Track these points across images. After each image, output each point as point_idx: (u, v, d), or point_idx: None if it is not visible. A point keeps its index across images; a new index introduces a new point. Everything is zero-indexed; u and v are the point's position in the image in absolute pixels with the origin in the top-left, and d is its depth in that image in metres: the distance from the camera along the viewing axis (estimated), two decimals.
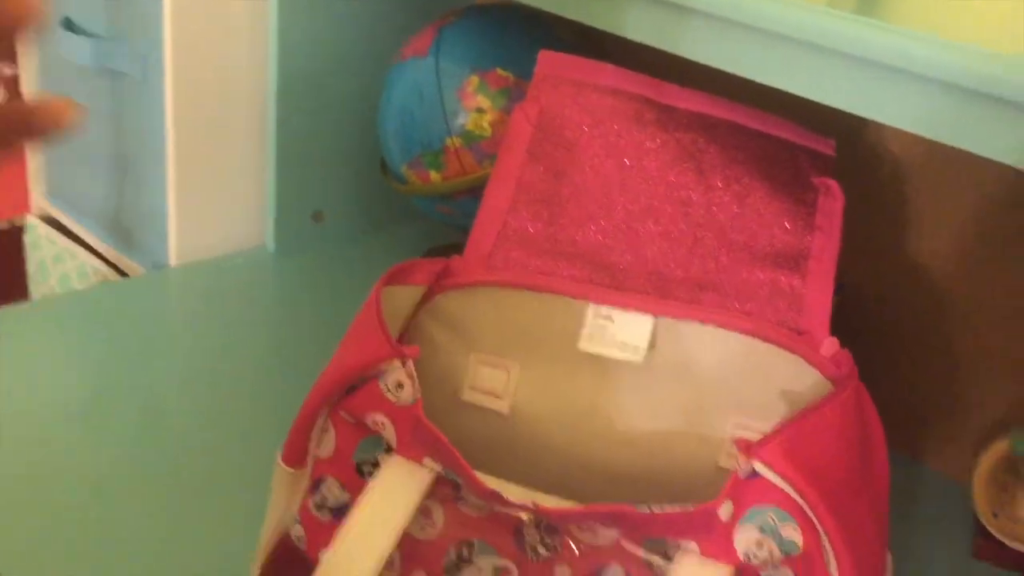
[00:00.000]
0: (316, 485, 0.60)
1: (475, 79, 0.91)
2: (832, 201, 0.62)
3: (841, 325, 0.86)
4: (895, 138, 0.82)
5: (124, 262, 1.16)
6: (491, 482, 0.54)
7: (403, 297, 0.62)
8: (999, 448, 0.76)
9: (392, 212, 1.16)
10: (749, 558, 0.51)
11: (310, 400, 0.58)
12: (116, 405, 0.82)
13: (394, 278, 0.59)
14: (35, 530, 0.69)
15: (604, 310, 0.60)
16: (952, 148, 0.79)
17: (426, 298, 0.63)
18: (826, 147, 0.66)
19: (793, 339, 0.58)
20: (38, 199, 1.27)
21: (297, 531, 0.60)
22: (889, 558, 0.59)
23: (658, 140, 0.65)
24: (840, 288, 0.84)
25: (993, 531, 0.76)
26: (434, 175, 0.94)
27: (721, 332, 0.59)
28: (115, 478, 0.75)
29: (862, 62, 0.50)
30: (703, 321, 0.59)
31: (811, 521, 0.50)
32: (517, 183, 0.64)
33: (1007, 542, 0.75)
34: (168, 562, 0.69)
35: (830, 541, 0.50)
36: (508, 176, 0.64)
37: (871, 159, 0.84)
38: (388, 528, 0.54)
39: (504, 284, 0.62)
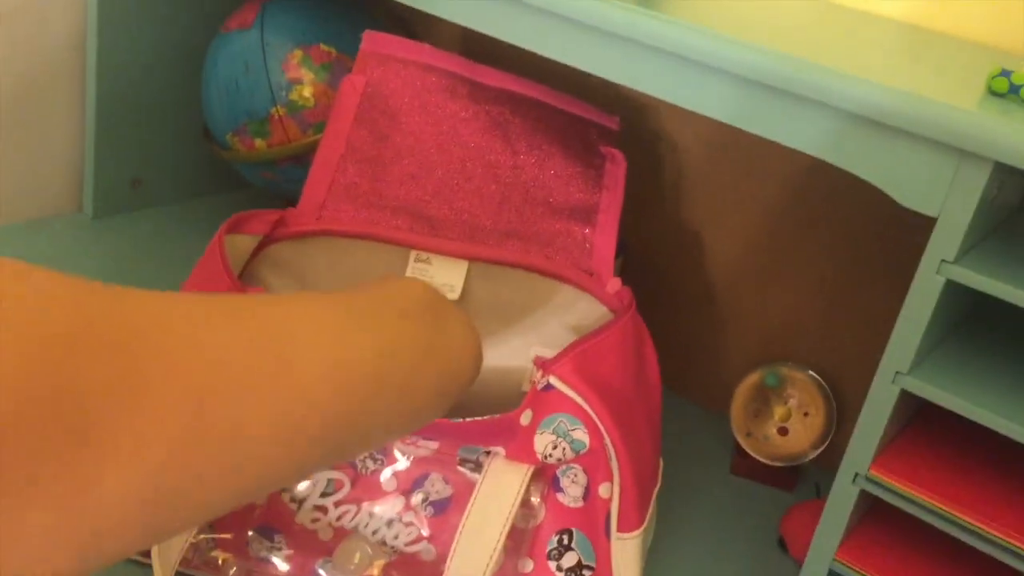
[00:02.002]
0: None
1: (299, 52, 0.97)
2: (616, 166, 0.74)
3: (625, 279, 0.98)
4: (672, 121, 0.95)
5: None
6: None
7: (240, 246, 0.68)
8: (751, 380, 0.90)
9: (211, 179, 1.19)
10: (546, 457, 0.61)
11: None
12: None
13: (235, 226, 0.65)
14: None
15: (424, 255, 0.68)
16: (718, 130, 0.92)
17: (261, 247, 0.69)
18: (612, 123, 0.78)
19: (585, 279, 0.69)
20: None
21: None
22: (660, 463, 0.71)
23: (470, 111, 0.74)
24: (624, 248, 0.96)
25: (747, 448, 0.90)
26: (259, 143, 0.99)
27: (525, 274, 0.69)
28: None
29: (667, 55, 0.61)
30: (510, 264, 0.69)
31: (596, 425, 0.61)
32: (346, 144, 0.72)
33: (758, 457, 0.90)
34: None
35: (611, 441, 0.61)
36: (338, 138, 0.72)
37: (653, 139, 0.97)
38: None
39: (335, 233, 0.69)
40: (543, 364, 0.60)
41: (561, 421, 0.60)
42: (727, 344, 0.98)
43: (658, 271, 0.99)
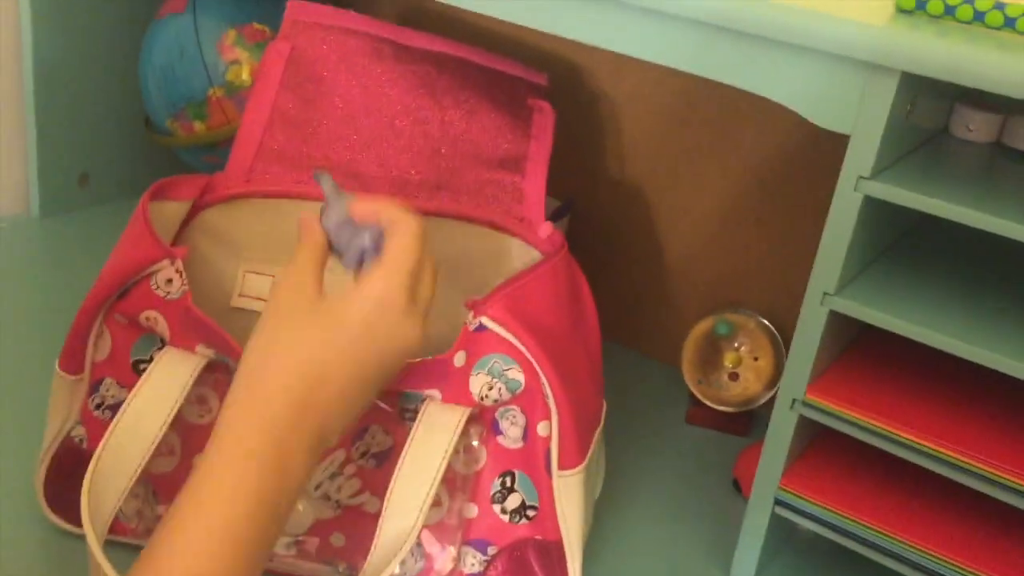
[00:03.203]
0: (95, 387, 0.65)
1: (232, 33, 0.97)
2: (544, 116, 0.74)
3: (572, 239, 0.99)
4: (607, 80, 0.96)
5: None
6: None
7: (169, 214, 0.68)
8: (702, 327, 0.91)
9: (159, 171, 1.17)
10: (482, 399, 0.61)
11: (84, 307, 0.63)
12: None
13: (159, 193, 0.65)
14: None
15: None
16: (651, 84, 0.93)
17: (193, 213, 0.69)
18: (540, 79, 0.78)
19: (516, 224, 0.69)
20: None
21: (79, 432, 0.65)
22: (603, 404, 0.71)
23: (396, 71, 0.75)
24: (569, 205, 0.97)
25: (699, 396, 0.91)
26: (199, 125, 0.99)
27: (456, 223, 0.70)
28: None
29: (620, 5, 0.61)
30: (441, 214, 0.69)
31: (531, 363, 0.61)
32: (272, 109, 0.72)
33: (711, 404, 0.90)
34: None
35: (547, 378, 0.61)
36: (263, 103, 0.72)
37: (590, 99, 0.97)
38: (161, 411, 0.59)
39: (264, 194, 0.69)
40: (474, 305, 0.60)
41: (495, 361, 0.61)
42: (677, 296, 0.98)
43: (606, 228, 1.00)
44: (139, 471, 0.58)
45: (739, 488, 0.83)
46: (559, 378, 0.61)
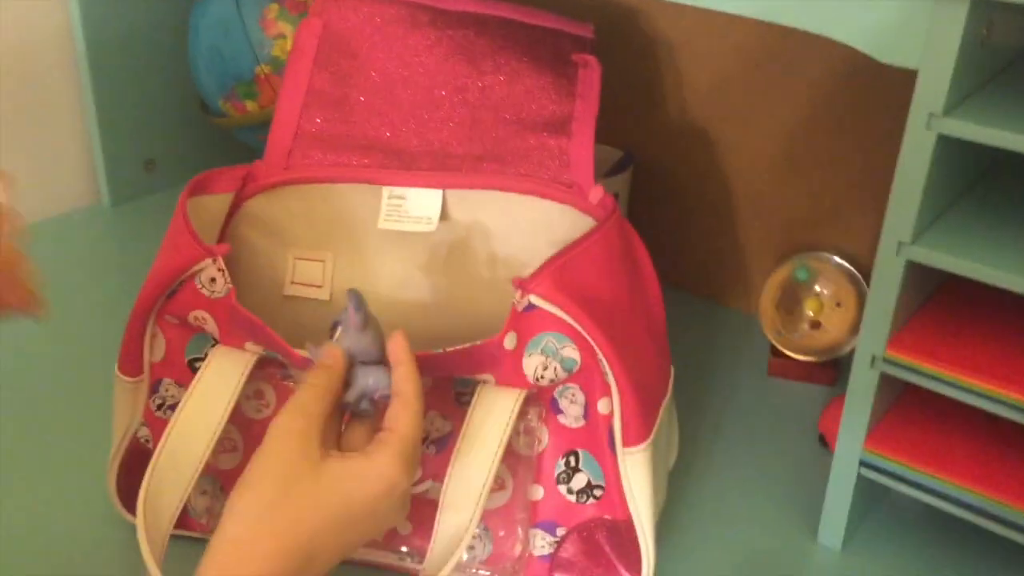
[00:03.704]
0: (155, 388, 0.65)
1: (275, 7, 0.95)
2: (591, 72, 0.70)
3: (635, 190, 0.95)
4: (663, 20, 0.90)
5: None
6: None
7: (213, 207, 0.67)
8: (779, 274, 0.86)
9: (222, 151, 1.18)
10: (538, 379, 0.59)
11: (135, 310, 0.63)
12: None
13: (197, 188, 0.64)
14: None
15: (397, 191, 0.67)
16: (708, 23, 0.87)
17: (237, 205, 0.68)
18: (585, 31, 0.74)
19: (564, 191, 0.66)
20: None
21: (144, 433, 0.66)
22: (671, 371, 0.68)
23: (432, 38, 0.71)
24: (631, 158, 0.93)
25: (779, 346, 0.86)
26: (250, 104, 0.98)
27: (503, 195, 0.67)
28: None
29: None
30: (486, 187, 0.66)
31: (586, 339, 0.58)
32: (307, 90, 0.70)
33: (792, 354, 0.86)
34: (38, 484, 0.73)
35: (604, 354, 0.58)
36: (297, 85, 0.70)
37: (647, 43, 0.92)
38: (216, 410, 0.59)
39: (306, 181, 0.67)
40: (521, 284, 0.57)
41: (548, 340, 0.58)
42: (751, 243, 0.93)
43: (671, 177, 0.95)
44: (199, 470, 0.58)
45: (825, 443, 0.79)
46: (617, 352, 0.58)
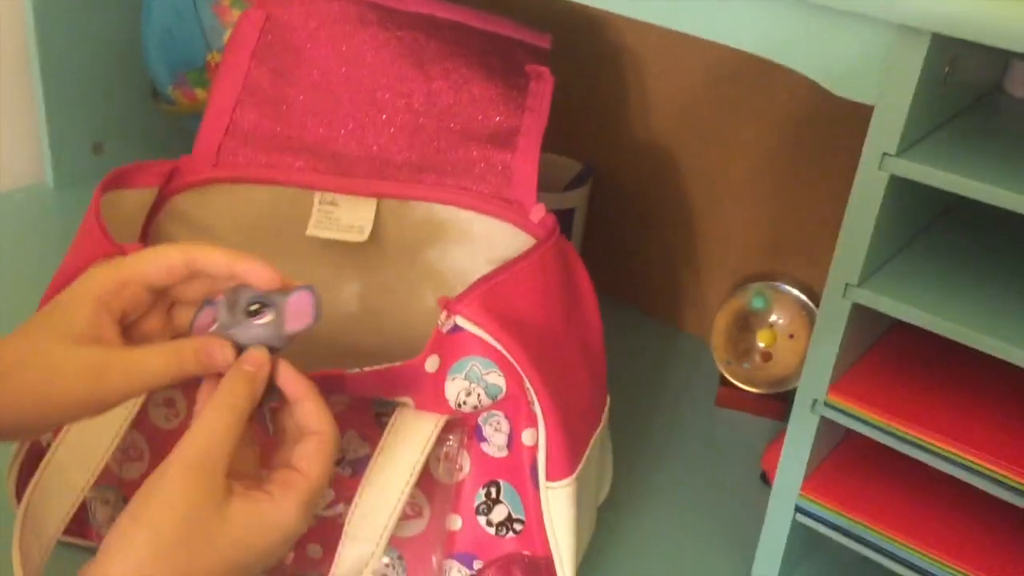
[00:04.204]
0: None
1: None
2: (543, 84, 0.67)
3: (595, 204, 0.92)
4: (631, 33, 0.88)
5: None
6: None
7: (134, 202, 0.63)
8: (734, 303, 0.84)
9: (175, 138, 1.14)
10: (460, 405, 0.56)
11: (41, 307, 0.59)
12: None
13: (115, 182, 0.61)
14: None
15: (329, 196, 0.63)
16: (675, 38, 0.84)
17: (161, 201, 0.64)
18: (542, 41, 0.71)
19: (504, 208, 0.63)
20: None
21: (47, 437, 0.62)
22: (606, 401, 0.65)
23: (380, 39, 0.68)
24: (592, 171, 0.90)
25: (729, 377, 0.84)
26: (200, 92, 0.94)
27: (440, 208, 0.64)
28: None
29: None
30: (423, 199, 0.63)
31: (513, 366, 0.55)
32: (243, 85, 0.66)
33: (741, 385, 0.83)
34: None
35: (530, 383, 0.55)
36: (233, 78, 0.66)
37: (613, 54, 0.89)
38: (119, 414, 0.55)
39: (234, 180, 0.64)
40: (447, 304, 0.54)
41: (473, 365, 0.55)
42: (709, 266, 0.91)
43: (631, 193, 0.92)
44: (94, 475, 0.54)
45: (767, 481, 0.76)
46: (544, 382, 0.55)
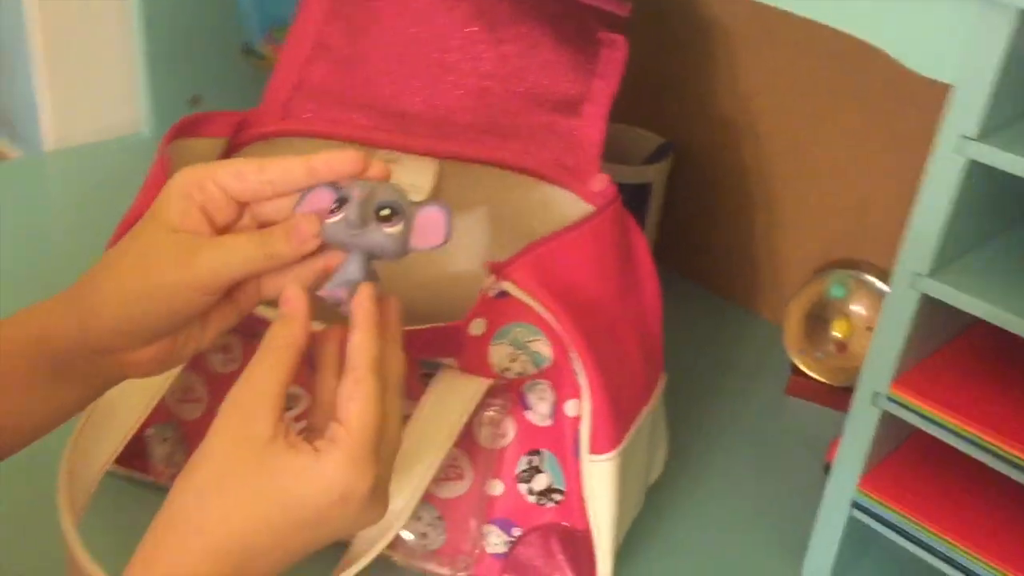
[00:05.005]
0: None
1: None
2: (616, 52, 0.65)
3: (674, 183, 0.90)
4: (717, 5, 0.85)
5: (3, 146, 1.17)
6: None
7: (203, 151, 0.64)
8: (812, 289, 0.80)
9: None
10: (504, 371, 0.55)
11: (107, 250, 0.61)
12: None
13: (188, 130, 0.62)
14: None
15: (391, 155, 0.63)
16: (762, 9, 0.81)
17: (229, 151, 0.65)
18: (622, 8, 0.68)
19: (564, 174, 0.62)
20: None
21: None
22: (661, 378, 0.64)
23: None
24: (671, 147, 0.88)
25: (801, 366, 0.81)
26: None
27: (500, 172, 0.63)
28: None
29: None
30: (483, 161, 0.63)
31: (559, 335, 0.54)
32: (316, 39, 0.67)
33: (813, 375, 0.80)
34: None
35: (577, 352, 0.54)
36: (306, 32, 0.67)
37: (702, 22, 0.87)
38: None
39: (299, 134, 0.65)
40: (496, 268, 0.54)
41: (518, 331, 0.54)
42: (790, 250, 0.87)
43: (712, 171, 0.90)
44: (143, 415, 0.56)
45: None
46: (592, 353, 0.54)
